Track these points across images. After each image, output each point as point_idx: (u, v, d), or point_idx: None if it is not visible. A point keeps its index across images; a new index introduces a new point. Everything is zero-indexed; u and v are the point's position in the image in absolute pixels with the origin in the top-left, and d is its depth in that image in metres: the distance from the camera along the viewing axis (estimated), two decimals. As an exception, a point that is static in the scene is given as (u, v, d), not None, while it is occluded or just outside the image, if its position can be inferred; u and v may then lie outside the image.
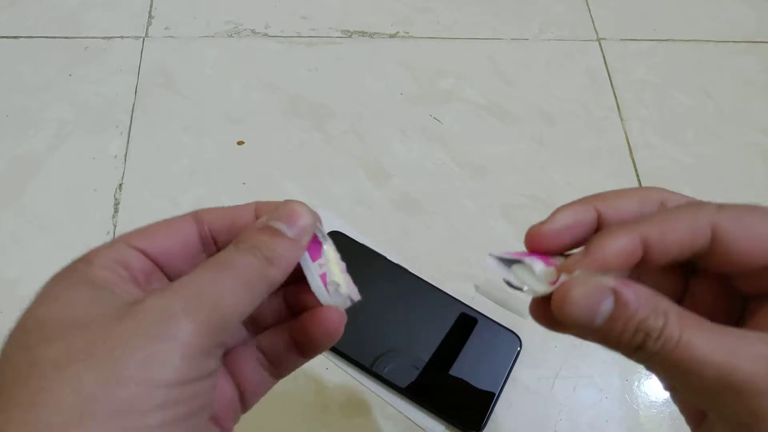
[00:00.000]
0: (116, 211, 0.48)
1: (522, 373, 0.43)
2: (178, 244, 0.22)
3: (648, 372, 0.22)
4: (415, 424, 0.41)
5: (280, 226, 0.22)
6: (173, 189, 0.49)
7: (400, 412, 0.41)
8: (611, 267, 0.20)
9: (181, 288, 0.19)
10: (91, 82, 0.54)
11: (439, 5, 0.62)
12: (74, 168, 0.50)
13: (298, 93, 0.55)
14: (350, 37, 0.59)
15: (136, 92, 0.54)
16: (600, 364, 0.43)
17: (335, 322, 0.24)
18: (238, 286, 0.20)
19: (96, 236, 0.47)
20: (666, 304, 0.19)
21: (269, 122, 0.53)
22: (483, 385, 0.41)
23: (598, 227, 0.22)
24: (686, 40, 0.62)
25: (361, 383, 0.42)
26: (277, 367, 0.25)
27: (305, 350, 0.25)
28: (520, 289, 0.22)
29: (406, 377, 0.41)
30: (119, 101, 0.53)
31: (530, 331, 0.43)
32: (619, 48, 0.60)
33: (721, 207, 0.21)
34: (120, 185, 0.49)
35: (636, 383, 0.43)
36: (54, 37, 0.57)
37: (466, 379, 0.42)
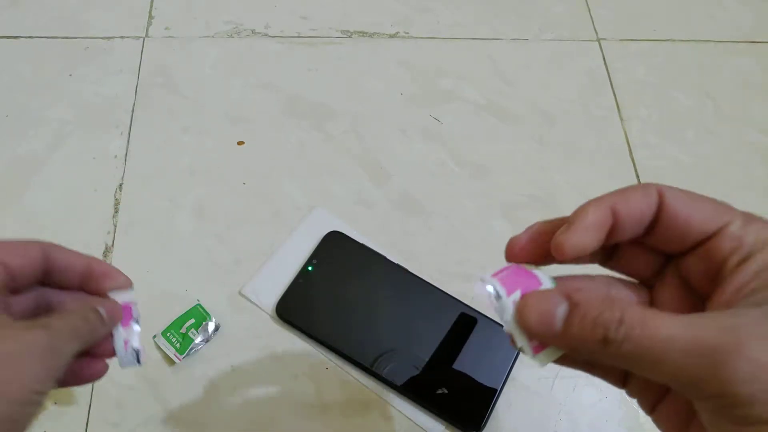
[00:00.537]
0: (116, 211, 0.48)
1: (522, 373, 0.43)
2: (31, 265, 0.27)
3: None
4: (415, 424, 0.41)
5: (102, 312, 0.28)
6: (173, 189, 0.49)
7: (400, 412, 0.41)
8: (593, 232, 0.23)
9: (54, 328, 0.24)
10: (92, 82, 0.54)
11: (439, 5, 0.62)
12: (74, 168, 0.50)
13: (298, 93, 0.55)
14: (350, 37, 0.59)
15: (136, 92, 0.54)
16: (600, 364, 0.43)
17: (100, 374, 0.29)
18: (64, 351, 0.25)
19: (96, 236, 0.47)
20: (622, 301, 0.22)
21: (269, 122, 0.53)
22: (483, 385, 0.41)
23: (614, 224, 0.24)
24: (686, 40, 0.62)
25: (361, 383, 0.42)
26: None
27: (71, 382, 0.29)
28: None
29: (406, 377, 0.41)
30: (119, 101, 0.53)
31: (530, 331, 0.43)
32: (619, 48, 0.60)
33: (663, 185, 0.24)
34: (120, 185, 0.49)
35: (636, 383, 0.43)
36: (54, 37, 0.57)
37: (466, 379, 0.42)
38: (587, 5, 0.63)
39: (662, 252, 0.25)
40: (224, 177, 0.50)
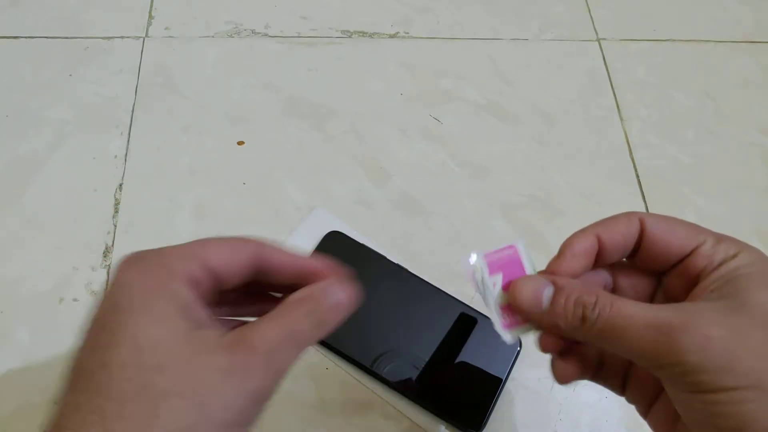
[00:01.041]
0: (116, 211, 0.48)
1: (522, 373, 0.43)
2: (241, 268, 0.26)
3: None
4: (415, 424, 0.41)
5: (337, 297, 0.26)
6: (173, 189, 0.49)
7: (400, 412, 0.41)
8: (580, 259, 0.27)
9: (260, 347, 0.23)
10: (92, 82, 0.54)
11: (439, 5, 0.62)
12: (74, 168, 0.50)
13: (298, 93, 0.55)
14: (350, 37, 0.59)
15: (136, 92, 0.54)
16: (600, 364, 0.43)
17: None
18: (298, 351, 0.24)
19: (96, 236, 0.47)
20: (597, 288, 0.26)
21: (269, 122, 0.53)
22: (483, 385, 0.41)
23: (599, 250, 0.27)
24: (686, 40, 0.62)
25: (361, 383, 0.42)
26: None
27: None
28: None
29: (406, 377, 0.41)
30: (119, 101, 0.53)
31: (530, 331, 0.43)
32: (619, 48, 0.60)
33: (642, 212, 0.27)
34: (120, 185, 0.49)
35: (636, 383, 0.43)
36: (54, 37, 0.57)
37: (466, 379, 0.42)
38: (587, 5, 0.63)
39: (648, 271, 0.28)
40: (224, 177, 0.50)
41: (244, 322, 0.26)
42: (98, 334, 0.22)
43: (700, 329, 0.22)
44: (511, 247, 0.28)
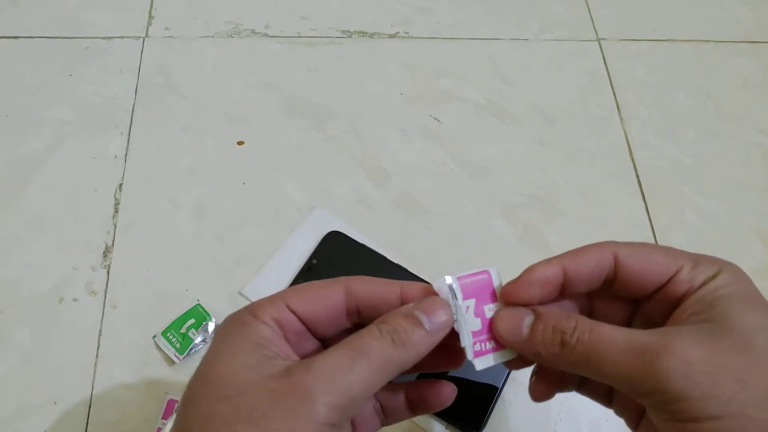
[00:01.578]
0: (116, 211, 0.48)
1: (522, 373, 0.42)
2: (327, 310, 0.26)
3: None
4: (415, 423, 0.41)
5: (421, 317, 0.25)
6: (173, 189, 0.49)
7: (400, 412, 0.41)
8: (536, 287, 0.26)
9: (321, 370, 0.23)
10: (92, 82, 0.54)
11: (439, 5, 0.62)
12: (74, 168, 0.50)
13: (298, 93, 0.55)
14: (350, 37, 0.59)
15: (136, 92, 0.54)
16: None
17: (448, 395, 0.29)
18: (371, 373, 0.23)
19: (96, 236, 0.47)
20: (576, 314, 0.25)
21: (269, 122, 0.53)
22: (483, 385, 0.41)
23: (565, 280, 0.26)
24: (686, 40, 0.62)
25: (361, 383, 0.42)
26: (387, 416, 0.29)
27: (415, 409, 0.29)
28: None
29: (406, 377, 0.41)
30: (119, 101, 0.53)
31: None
32: (619, 48, 0.60)
33: (618, 242, 0.26)
34: (120, 185, 0.49)
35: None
36: (54, 37, 0.57)
37: (465, 379, 0.42)
38: (587, 5, 0.63)
39: (627, 299, 0.28)
40: (224, 177, 0.50)
41: None
42: (191, 379, 0.24)
43: (681, 353, 0.22)
44: (484, 272, 0.27)
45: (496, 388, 0.41)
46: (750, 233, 0.51)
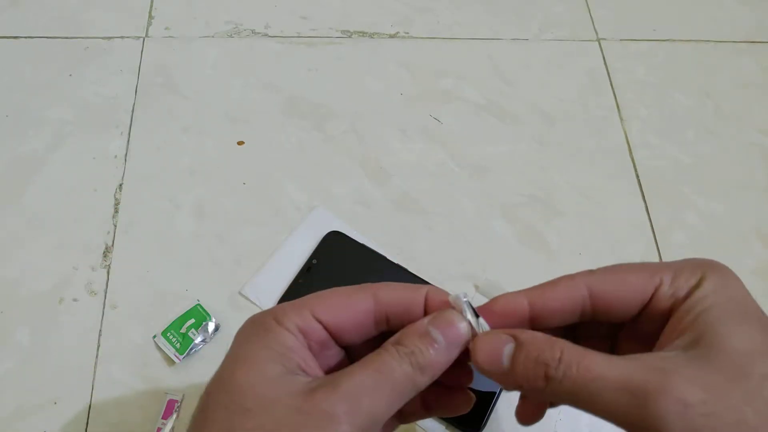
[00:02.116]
0: (116, 211, 0.48)
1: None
2: (355, 319, 0.25)
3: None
4: (415, 423, 0.41)
5: (437, 336, 0.24)
6: (173, 189, 0.49)
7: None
8: (498, 317, 0.25)
9: (347, 393, 0.22)
10: (92, 82, 0.54)
11: (439, 5, 0.62)
12: (74, 168, 0.50)
13: (298, 93, 0.55)
14: (350, 37, 0.59)
15: (136, 92, 0.54)
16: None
17: (467, 403, 0.28)
18: (393, 397, 0.23)
19: (96, 236, 0.47)
20: (562, 342, 0.23)
21: (269, 122, 0.53)
22: (483, 385, 0.41)
23: (532, 315, 0.25)
24: (686, 40, 0.62)
25: (361, 383, 0.42)
26: (404, 416, 0.28)
27: (432, 411, 0.28)
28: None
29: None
30: (119, 101, 0.53)
31: (530, 331, 0.43)
32: (619, 48, 0.60)
33: (592, 271, 0.25)
34: (120, 185, 0.49)
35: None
36: (54, 37, 0.57)
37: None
38: (587, 5, 0.63)
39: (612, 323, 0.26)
40: (224, 177, 0.50)
41: None
42: (210, 384, 0.24)
43: (677, 395, 0.20)
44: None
45: (496, 389, 0.41)
46: (750, 233, 0.51)
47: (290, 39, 0.58)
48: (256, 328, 0.25)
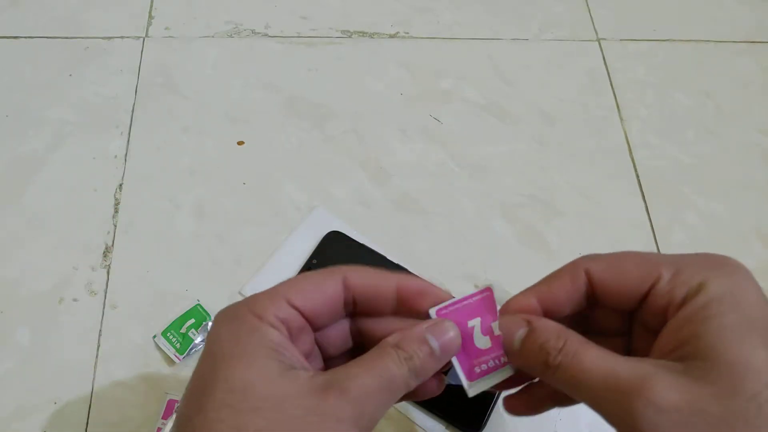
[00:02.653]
0: (116, 211, 0.48)
1: (522, 373, 0.43)
2: (326, 303, 0.26)
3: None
4: (415, 424, 0.41)
5: (433, 343, 0.25)
6: (173, 189, 0.49)
7: (401, 412, 0.41)
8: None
9: (356, 395, 0.23)
10: (92, 82, 0.54)
11: (439, 5, 0.62)
12: (74, 168, 0.50)
13: (298, 93, 0.55)
14: (350, 37, 0.59)
15: (136, 92, 0.54)
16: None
17: (439, 388, 0.28)
18: (391, 398, 0.24)
19: (96, 236, 0.47)
20: (570, 333, 0.24)
21: (269, 122, 0.53)
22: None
23: (544, 310, 0.26)
24: (686, 40, 0.62)
25: (361, 383, 0.42)
26: None
27: (405, 398, 0.28)
28: None
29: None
30: (119, 101, 0.53)
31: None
32: (619, 48, 0.60)
33: (592, 257, 0.26)
34: (120, 185, 0.49)
35: (636, 383, 0.43)
36: (54, 37, 0.57)
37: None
38: (587, 5, 0.63)
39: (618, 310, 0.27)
40: (224, 177, 0.50)
41: (335, 363, 0.26)
42: (196, 384, 0.24)
43: (654, 399, 0.21)
44: (487, 289, 0.27)
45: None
46: (750, 233, 0.51)
47: (290, 39, 0.58)
48: (238, 324, 0.24)
